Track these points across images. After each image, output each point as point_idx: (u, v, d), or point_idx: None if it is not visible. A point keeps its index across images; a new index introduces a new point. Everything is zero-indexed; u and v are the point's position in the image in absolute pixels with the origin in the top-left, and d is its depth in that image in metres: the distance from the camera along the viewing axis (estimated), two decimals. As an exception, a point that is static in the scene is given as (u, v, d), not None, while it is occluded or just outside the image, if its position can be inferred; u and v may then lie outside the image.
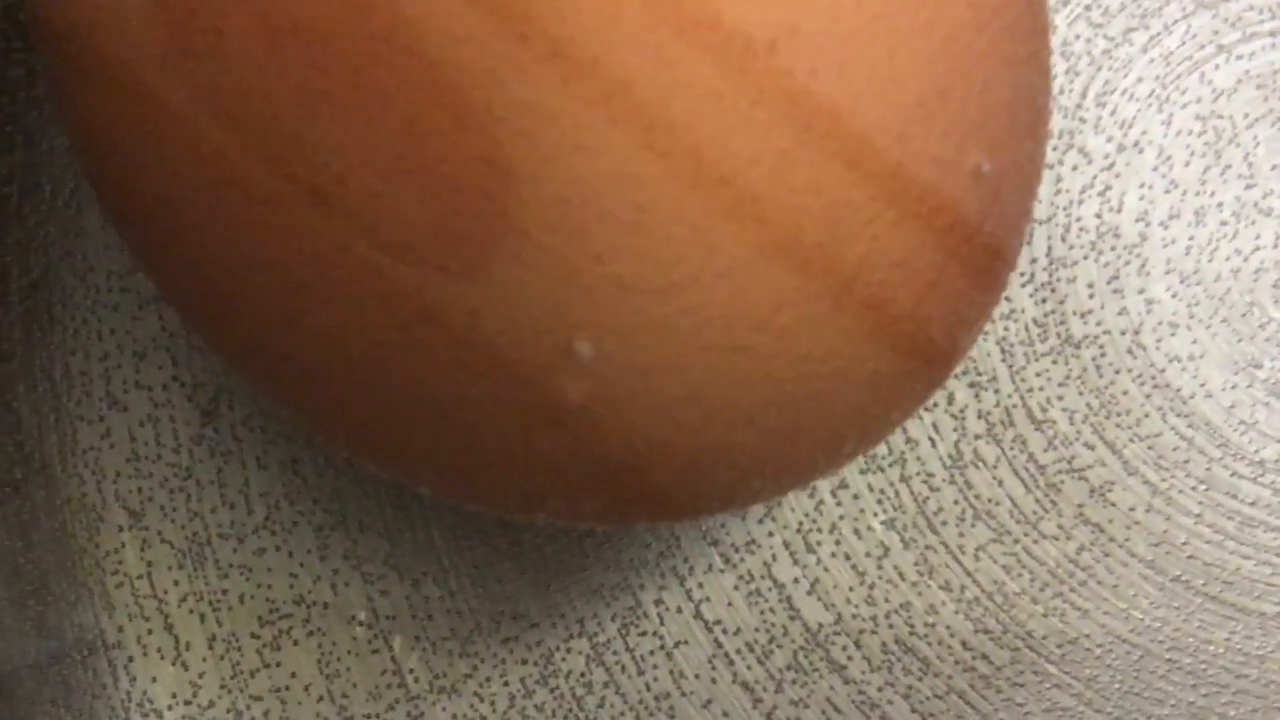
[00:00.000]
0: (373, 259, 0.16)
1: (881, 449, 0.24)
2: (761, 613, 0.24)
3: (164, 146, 0.17)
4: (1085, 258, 0.25)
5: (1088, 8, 0.25)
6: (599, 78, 0.15)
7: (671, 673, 0.24)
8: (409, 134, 0.16)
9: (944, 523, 0.24)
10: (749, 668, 0.24)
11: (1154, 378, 0.25)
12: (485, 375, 0.17)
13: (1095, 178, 0.25)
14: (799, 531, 0.24)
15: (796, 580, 0.24)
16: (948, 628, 0.24)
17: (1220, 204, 0.25)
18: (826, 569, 0.24)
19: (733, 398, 0.17)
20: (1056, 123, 0.25)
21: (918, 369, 0.18)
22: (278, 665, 0.24)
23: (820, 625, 0.24)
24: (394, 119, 0.16)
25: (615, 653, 0.24)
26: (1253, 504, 0.25)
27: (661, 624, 0.24)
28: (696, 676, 0.24)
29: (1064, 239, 0.25)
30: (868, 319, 0.17)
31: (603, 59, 0.15)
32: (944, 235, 0.17)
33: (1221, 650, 0.24)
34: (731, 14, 0.16)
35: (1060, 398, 0.25)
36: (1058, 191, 0.25)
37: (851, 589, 0.24)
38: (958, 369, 0.24)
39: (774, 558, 0.24)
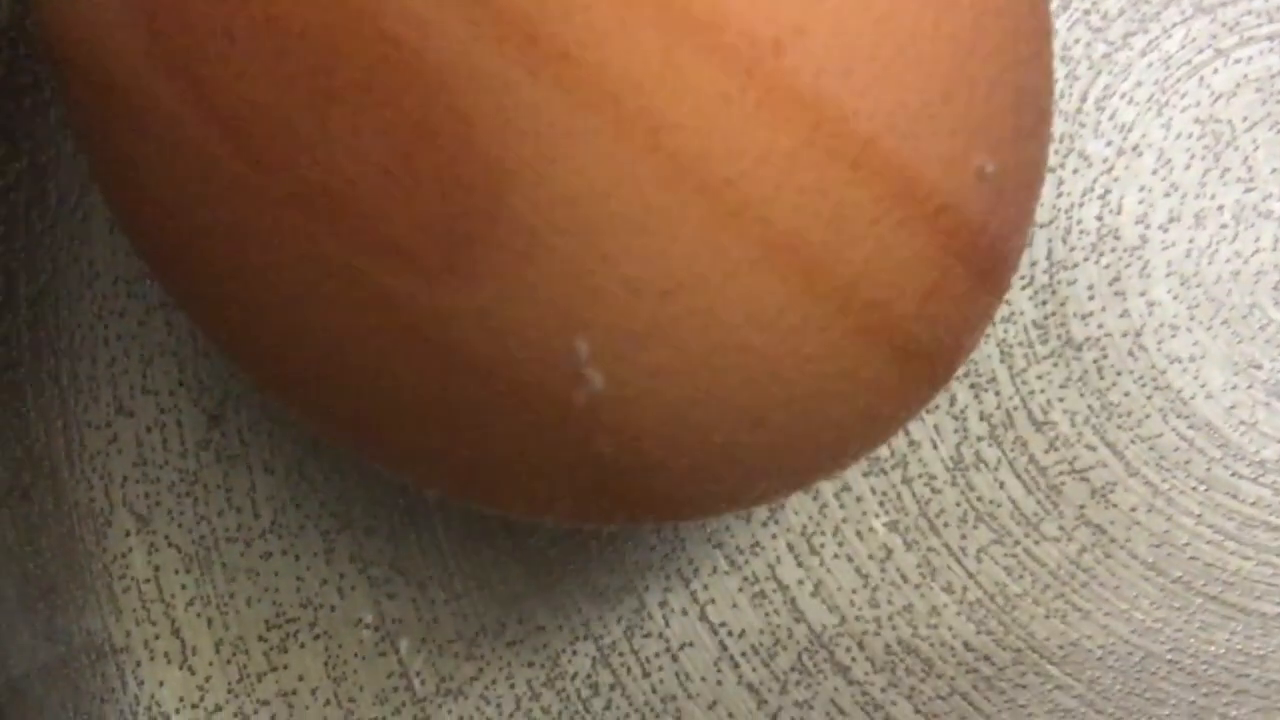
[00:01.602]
0: (379, 262, 0.17)
1: (884, 451, 0.25)
2: (766, 615, 0.24)
3: (170, 152, 0.17)
4: (1086, 260, 0.25)
5: (1087, 12, 0.25)
6: (605, 80, 0.16)
7: (677, 675, 0.24)
8: (415, 139, 0.16)
9: (946, 525, 0.24)
10: (754, 669, 0.24)
11: (1155, 379, 0.25)
12: (493, 377, 0.17)
13: (1095, 181, 0.25)
14: (803, 534, 0.24)
15: (800, 582, 0.24)
16: (950, 629, 0.24)
17: (1220, 207, 0.25)
18: (830, 571, 0.24)
19: (739, 399, 0.17)
20: (1057, 126, 0.25)
21: (921, 370, 0.19)
22: (285, 668, 0.24)
23: (824, 627, 0.24)
24: (401, 123, 0.16)
25: (621, 655, 0.24)
26: (1253, 504, 0.25)
27: (667, 626, 0.24)
28: (702, 678, 0.24)
29: (1064, 241, 0.25)
30: (872, 319, 0.17)
31: (609, 61, 0.16)
32: (948, 236, 0.17)
33: (1222, 651, 0.24)
34: (738, 15, 0.16)
35: (1061, 399, 0.25)
36: (1059, 194, 0.25)
37: (855, 591, 0.24)
38: (959, 371, 0.25)
39: (778, 560, 0.24)
